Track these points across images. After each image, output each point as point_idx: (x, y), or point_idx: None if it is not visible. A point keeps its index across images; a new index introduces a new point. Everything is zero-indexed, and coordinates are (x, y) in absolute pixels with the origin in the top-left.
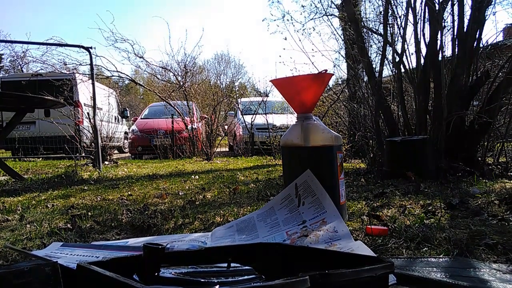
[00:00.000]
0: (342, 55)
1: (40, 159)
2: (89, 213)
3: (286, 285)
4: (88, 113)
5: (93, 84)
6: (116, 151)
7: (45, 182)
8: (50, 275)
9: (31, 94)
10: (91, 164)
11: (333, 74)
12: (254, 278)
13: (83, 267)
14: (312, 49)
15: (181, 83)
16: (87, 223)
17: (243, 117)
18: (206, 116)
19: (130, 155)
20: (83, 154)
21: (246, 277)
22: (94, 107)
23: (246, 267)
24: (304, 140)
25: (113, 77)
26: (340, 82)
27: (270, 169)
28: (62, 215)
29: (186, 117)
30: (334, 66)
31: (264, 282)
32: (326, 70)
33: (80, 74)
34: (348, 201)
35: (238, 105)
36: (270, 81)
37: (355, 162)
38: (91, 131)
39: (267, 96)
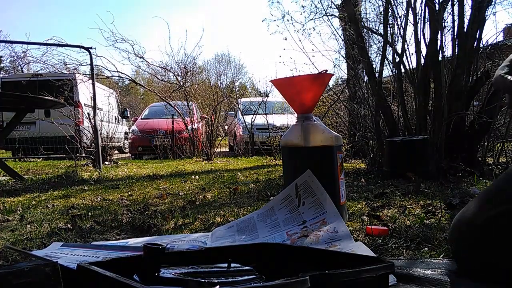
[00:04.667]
0: (342, 55)
1: (40, 159)
2: (89, 213)
3: (286, 285)
4: (88, 113)
5: (93, 84)
6: (116, 151)
7: (45, 182)
8: (50, 275)
9: (31, 94)
10: (91, 164)
11: (333, 75)
12: (254, 278)
13: (84, 267)
14: (312, 49)
15: (181, 83)
16: (87, 223)
17: (243, 117)
18: (206, 116)
19: (130, 155)
20: (83, 154)
21: (246, 277)
22: (94, 107)
23: (246, 267)
24: (304, 140)
25: (113, 77)
26: (340, 82)
27: (270, 169)
28: (62, 215)
29: (186, 117)
30: (334, 66)
31: (264, 282)
32: (326, 71)
33: (80, 74)
34: (348, 201)
35: (238, 105)
36: (270, 81)
37: (355, 162)
38: (91, 131)
39: (267, 96)
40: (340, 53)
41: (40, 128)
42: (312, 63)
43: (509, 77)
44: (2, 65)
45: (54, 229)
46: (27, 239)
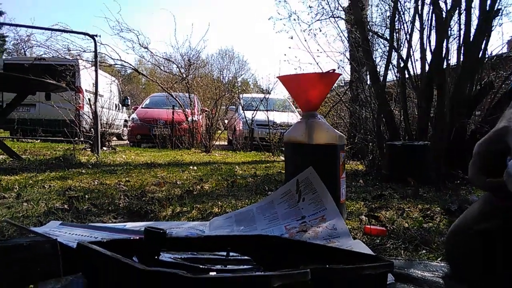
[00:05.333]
0: (347, 57)
1: (39, 140)
2: (86, 196)
3: (288, 276)
4: (89, 99)
5: (96, 71)
6: (115, 138)
7: (43, 163)
8: (49, 252)
9: (34, 77)
10: (89, 149)
11: (340, 74)
12: (252, 268)
13: (84, 246)
14: (318, 50)
15: (184, 75)
16: (84, 205)
17: (244, 112)
18: (207, 109)
19: (128, 142)
20: (82, 139)
21: (245, 266)
22: (96, 93)
23: (245, 257)
24: (308, 137)
25: (116, 66)
26: (342, 84)
27: (268, 165)
28: (59, 196)
29: (187, 109)
30: (339, 67)
31: (266, 272)
32: (334, 70)
33: (83, 60)
34: (346, 201)
35: (239, 100)
36: (277, 77)
37: (353, 163)
38: (91, 117)
39: (269, 93)
40: (345, 55)
41: (39, 111)
42: (317, 63)
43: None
44: (5, 47)
45: (51, 209)
46: (24, 216)
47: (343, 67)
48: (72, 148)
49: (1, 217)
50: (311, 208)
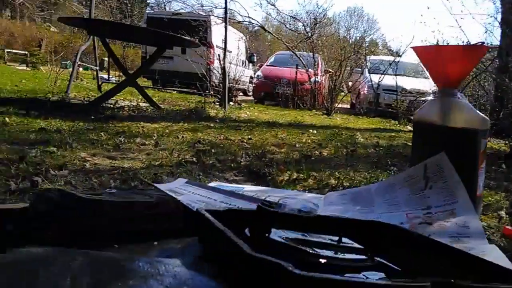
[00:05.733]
0: (497, 20)
1: (175, 91)
2: (213, 150)
3: None
4: (219, 55)
5: (225, 27)
6: (241, 93)
7: (178, 114)
8: (174, 211)
9: (172, 32)
10: (218, 103)
11: (489, 48)
12: (365, 259)
13: (200, 214)
14: (461, 11)
15: (309, 34)
16: (210, 159)
17: (370, 75)
18: (330, 70)
19: (253, 98)
20: (212, 93)
21: (356, 256)
22: (225, 49)
23: (358, 246)
24: (443, 118)
25: (244, 22)
26: (489, 50)
27: (393, 134)
28: (190, 147)
29: (310, 69)
30: (486, 31)
31: (378, 280)
32: (482, 43)
33: (214, 16)
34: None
35: (366, 62)
36: (412, 47)
37: (494, 142)
38: (220, 72)
39: (399, 56)
40: (495, 18)
41: (177, 64)
42: (459, 27)
43: None
44: (148, 1)
45: (181, 160)
46: (159, 165)
47: (491, 31)
48: (203, 101)
49: (141, 163)
50: (440, 198)
